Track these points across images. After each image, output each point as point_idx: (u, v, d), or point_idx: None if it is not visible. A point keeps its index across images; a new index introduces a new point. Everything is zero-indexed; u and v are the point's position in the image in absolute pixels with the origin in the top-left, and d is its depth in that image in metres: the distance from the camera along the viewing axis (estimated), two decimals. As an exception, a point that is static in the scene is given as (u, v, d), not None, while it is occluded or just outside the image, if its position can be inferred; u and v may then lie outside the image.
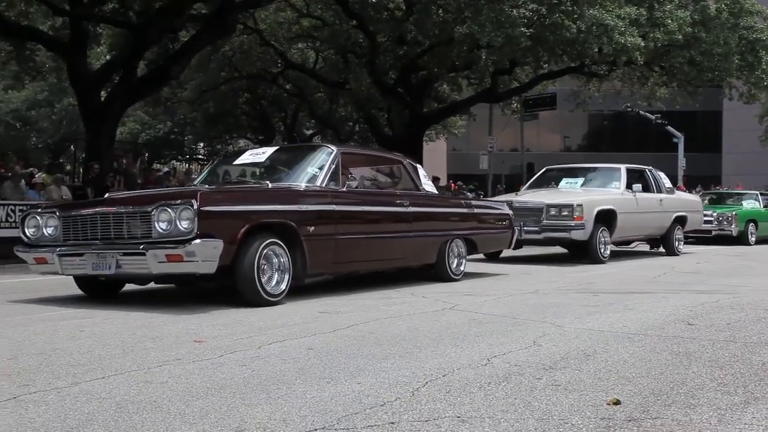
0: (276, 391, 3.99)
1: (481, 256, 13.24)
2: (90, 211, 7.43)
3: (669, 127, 33.66)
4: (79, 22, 20.50)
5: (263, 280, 7.26)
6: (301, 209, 7.92)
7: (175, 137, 35.86)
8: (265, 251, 7.28)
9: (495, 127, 36.49)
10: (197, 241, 6.61)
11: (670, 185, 16.31)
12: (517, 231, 12.67)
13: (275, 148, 10.38)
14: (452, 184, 33.26)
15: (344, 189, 8.87)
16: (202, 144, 37.83)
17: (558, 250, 15.09)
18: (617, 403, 3.68)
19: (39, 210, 7.89)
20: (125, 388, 4.13)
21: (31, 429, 3.35)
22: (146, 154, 29.96)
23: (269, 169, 9.53)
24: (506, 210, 11.99)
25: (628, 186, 14.16)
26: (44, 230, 7.62)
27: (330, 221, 8.29)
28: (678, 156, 34.29)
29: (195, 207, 6.61)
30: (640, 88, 29.10)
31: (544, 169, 16.71)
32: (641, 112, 34.01)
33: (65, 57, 21.01)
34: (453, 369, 4.48)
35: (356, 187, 9.52)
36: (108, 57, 22.81)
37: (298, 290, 8.16)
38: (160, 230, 6.71)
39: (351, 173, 9.81)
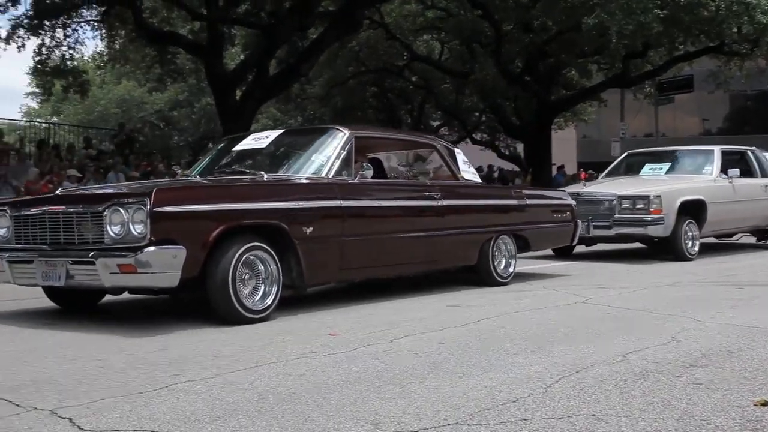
0: (409, 385, 4.03)
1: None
2: (38, 210, 6.35)
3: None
4: (215, 25, 21.11)
5: (243, 292, 6.13)
6: (295, 207, 6.64)
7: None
8: (244, 258, 6.12)
9: (627, 112, 35.50)
10: (151, 248, 5.53)
11: None
12: (584, 226, 11.27)
13: (280, 131, 8.62)
14: (582, 173, 32.44)
15: (356, 180, 7.42)
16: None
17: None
18: (765, 404, 3.55)
19: None
20: (266, 380, 4.26)
21: (182, 416, 3.49)
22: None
23: (271, 156, 8.01)
24: (568, 200, 10.50)
25: (724, 171, 12.46)
26: None
27: (335, 220, 7.00)
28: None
29: (148, 207, 5.55)
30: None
31: (625, 154, 15.29)
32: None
33: (203, 59, 21.69)
34: (587, 365, 4.44)
35: (372, 178, 7.73)
36: (242, 57, 23.40)
37: (427, 282, 8.16)
38: (113, 234, 5.69)
39: (365, 161, 8.16)
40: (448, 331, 5.78)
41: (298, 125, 32.29)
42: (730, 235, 14.02)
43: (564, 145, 39.32)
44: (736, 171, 12.54)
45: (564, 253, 12.22)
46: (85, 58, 26.47)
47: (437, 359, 4.75)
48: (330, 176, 7.15)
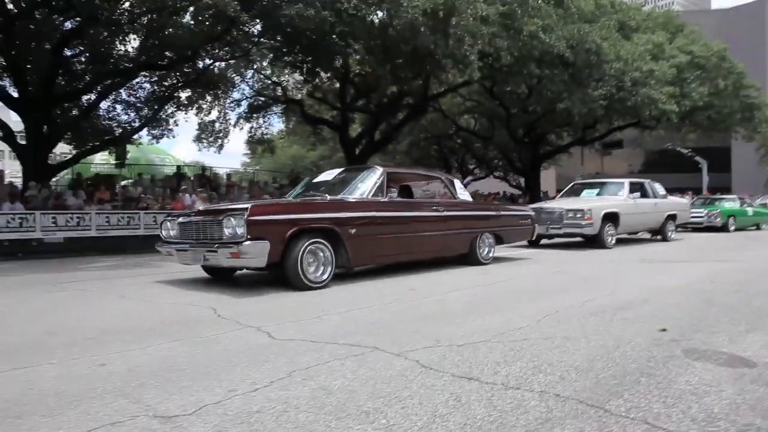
0: (456, 320, 4.02)
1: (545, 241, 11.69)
2: (190, 219, 6.29)
3: (697, 157, 30.75)
4: (344, 112, 21.46)
5: (308, 270, 5.77)
6: (343, 216, 6.25)
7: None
8: (309, 248, 5.79)
9: (585, 159, 35.15)
10: (246, 242, 5.35)
11: (664, 192, 13.94)
12: (545, 227, 11.20)
13: (342, 169, 8.27)
14: (557, 195, 31.75)
15: (386, 199, 6.93)
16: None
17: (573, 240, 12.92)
18: (664, 330, 3.55)
19: (170, 218, 6.75)
20: (375, 316, 4.28)
21: (328, 333, 3.53)
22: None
23: (336, 184, 7.37)
24: (528, 211, 9.78)
25: (631, 193, 12.38)
26: (170, 232, 6.54)
27: (372, 224, 6.53)
28: (702, 175, 31.30)
29: (245, 217, 5.41)
30: (677, 134, 27.76)
31: (572, 184, 14.60)
32: (678, 148, 31.44)
33: (338, 131, 22.03)
34: (561, 308, 4.39)
35: (397, 198, 7.50)
36: (360, 130, 23.64)
37: (443, 265, 7.85)
38: (227, 234, 5.56)
39: (394, 188, 7.73)
40: (478, 288, 5.76)
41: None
42: (636, 233, 13.70)
43: (548, 178, 38.34)
44: (637, 194, 12.55)
45: (534, 244, 11.87)
46: (274, 133, 27.11)
47: (472, 304, 4.74)
48: (368, 196, 6.68)
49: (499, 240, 8.64)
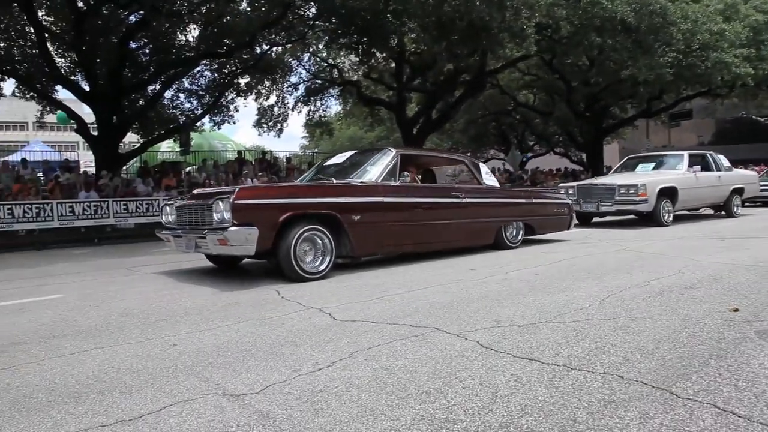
0: (517, 299, 4.00)
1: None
2: (184, 203, 5.92)
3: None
4: (401, 92, 21.37)
5: (304, 260, 5.26)
6: (346, 201, 5.65)
7: (453, 150, 36.29)
8: (305, 236, 5.25)
9: (651, 132, 33.61)
10: (232, 228, 4.88)
11: (728, 164, 12.68)
12: (596, 204, 10.50)
13: (353, 152, 7.42)
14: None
15: (398, 183, 6.30)
16: (468, 153, 37.96)
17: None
18: (736, 310, 3.39)
19: (169, 202, 6.37)
20: (435, 296, 4.27)
21: (383, 314, 3.57)
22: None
23: (347, 168, 6.73)
24: (565, 200, 8.75)
25: (691, 167, 11.35)
26: (169, 217, 6.20)
27: (379, 210, 5.91)
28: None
29: (231, 200, 4.94)
30: (753, 101, 25.82)
31: (626, 158, 13.55)
32: (753, 116, 29.61)
33: (394, 111, 21.99)
34: (625, 287, 4.27)
35: (409, 182, 6.81)
36: (416, 109, 23.50)
37: (526, 236, 7.75)
38: (216, 219, 5.11)
39: (411, 171, 7.25)
40: (540, 267, 5.67)
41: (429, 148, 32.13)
42: (697, 209, 12.69)
43: (610, 153, 36.82)
44: (697, 167, 11.65)
45: (585, 222, 11.33)
46: (331, 115, 27.39)
47: (533, 284, 4.68)
48: (377, 180, 6.07)
49: (530, 230, 7.94)
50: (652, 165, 12.16)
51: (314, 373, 2.50)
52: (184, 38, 17.21)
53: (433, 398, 2.18)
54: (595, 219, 11.60)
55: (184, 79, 18.19)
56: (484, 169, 7.79)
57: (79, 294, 5.07)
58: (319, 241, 5.44)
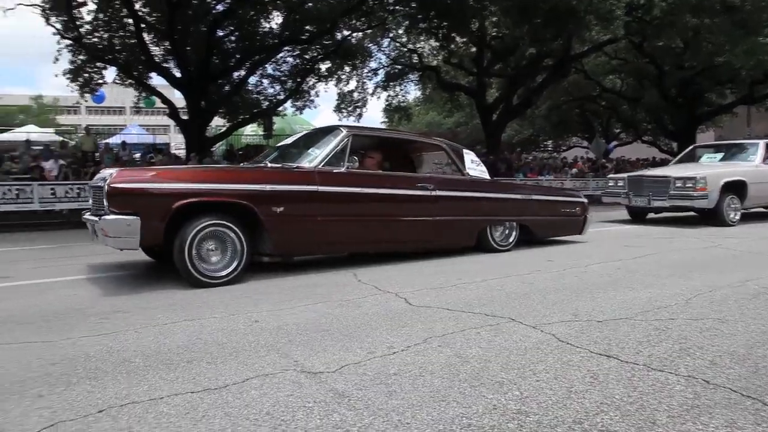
0: (596, 293, 3.89)
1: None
2: (94, 184, 4.84)
3: None
4: (481, 77, 21.03)
5: (208, 260, 4.37)
6: (265, 189, 4.58)
7: (534, 137, 35.28)
8: (206, 231, 4.32)
9: (753, 120, 31.10)
10: (107, 217, 4.08)
11: None
12: (646, 200, 9.27)
13: (306, 132, 6.36)
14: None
15: (342, 170, 5.11)
16: (550, 141, 36.86)
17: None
18: None
19: (92, 183, 5.17)
20: (511, 286, 4.21)
21: (464, 301, 3.58)
22: (518, 149, 29.80)
23: (292, 149, 5.78)
24: (578, 198, 7.37)
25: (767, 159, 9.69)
26: (90, 199, 5.17)
27: (310, 202, 4.85)
28: None
29: (106, 184, 4.13)
30: None
31: (692, 147, 12.20)
32: None
33: (474, 97, 21.69)
34: (716, 287, 4.04)
35: (358, 168, 5.37)
36: (496, 94, 23.08)
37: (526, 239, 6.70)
38: (106, 204, 4.13)
39: (368, 157, 5.93)
40: (623, 262, 5.46)
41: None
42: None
43: (705, 142, 34.80)
44: None
45: (639, 218, 10.35)
46: (410, 100, 27.38)
47: (615, 278, 4.53)
48: (317, 166, 4.99)
49: (526, 233, 6.65)
50: (721, 155, 10.71)
51: (388, 356, 2.56)
52: (267, 26, 17.75)
53: (506, 389, 2.18)
54: (650, 215, 10.68)
55: (267, 65, 18.77)
56: (469, 157, 6.47)
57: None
58: (227, 238, 4.47)
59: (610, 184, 10.70)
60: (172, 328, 3.13)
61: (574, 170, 21.11)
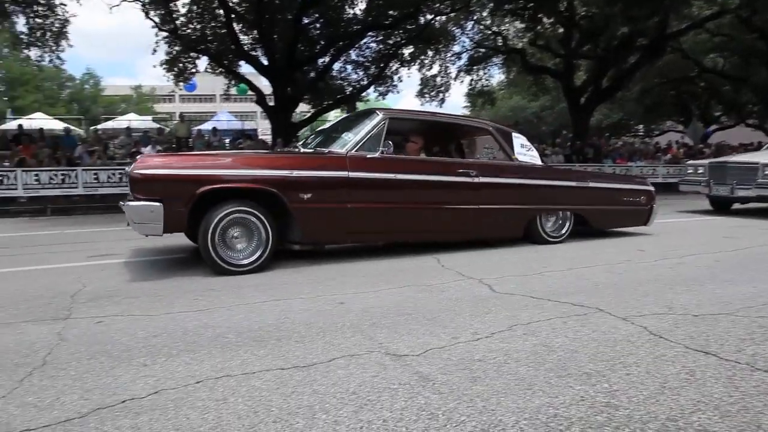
0: (692, 286, 3.69)
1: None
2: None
3: None
4: (568, 59, 20.26)
5: (234, 247, 4.32)
6: (291, 175, 4.44)
7: (624, 122, 33.63)
8: (232, 218, 4.25)
9: None
10: (130, 203, 4.11)
11: None
12: (728, 189, 8.32)
13: (344, 116, 5.41)
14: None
15: (375, 155, 4.83)
16: (641, 126, 35.03)
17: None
18: None
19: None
20: (600, 276, 4.07)
21: (549, 290, 3.49)
22: (607, 134, 28.56)
23: (331, 134, 5.52)
24: (643, 186, 6.68)
25: None
26: None
27: (341, 188, 4.63)
28: None
29: (130, 170, 4.18)
30: None
31: None
32: None
33: (561, 80, 20.96)
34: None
35: (392, 153, 4.97)
36: (585, 77, 22.16)
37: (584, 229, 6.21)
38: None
39: (409, 142, 5.74)
40: (722, 254, 5.13)
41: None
42: None
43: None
44: None
45: (723, 209, 9.45)
46: (494, 84, 26.80)
47: (714, 271, 4.27)
48: (353, 151, 4.78)
49: (582, 223, 6.16)
50: None
51: (472, 342, 2.55)
52: (351, 12, 17.90)
53: (594, 380, 2.12)
54: (736, 206, 9.71)
55: (351, 52, 18.98)
56: (519, 140, 5.98)
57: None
58: (253, 226, 4.39)
59: (688, 171, 9.79)
60: (261, 306, 3.27)
61: (668, 156, 19.96)
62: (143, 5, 16.00)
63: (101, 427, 1.80)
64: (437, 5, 17.52)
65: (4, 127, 21.35)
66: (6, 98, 39.56)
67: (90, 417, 1.87)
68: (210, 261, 4.25)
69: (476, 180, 5.34)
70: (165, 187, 4.15)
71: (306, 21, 17.20)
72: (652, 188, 6.77)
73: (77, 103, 43.84)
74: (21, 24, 15.37)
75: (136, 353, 2.46)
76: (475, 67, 22.80)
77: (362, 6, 17.72)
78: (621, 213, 6.51)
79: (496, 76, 28.59)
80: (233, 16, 16.20)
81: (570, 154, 17.69)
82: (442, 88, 22.35)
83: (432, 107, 22.19)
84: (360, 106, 20.25)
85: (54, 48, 15.58)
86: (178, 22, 16.61)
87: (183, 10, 16.79)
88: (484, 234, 5.57)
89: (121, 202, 4.43)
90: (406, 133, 5.80)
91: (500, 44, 21.98)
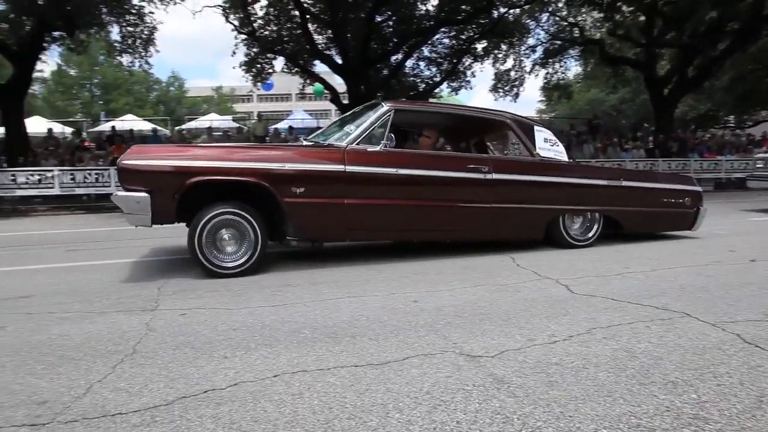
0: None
1: None
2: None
3: None
4: (650, 48, 19.30)
5: (223, 249, 4.20)
6: (283, 168, 4.21)
7: (712, 113, 31.66)
8: (221, 219, 4.14)
9: None
10: (118, 193, 4.07)
11: None
12: None
13: (360, 107, 5.44)
14: None
15: (378, 149, 4.56)
16: (732, 116, 32.86)
17: None
18: None
19: None
20: (686, 278, 3.88)
21: (630, 292, 3.35)
22: (692, 126, 27.00)
23: (339, 126, 5.27)
24: (689, 186, 6.00)
25: None
26: None
27: (336, 183, 4.38)
28: None
29: (118, 160, 4.16)
30: None
31: None
32: None
33: (642, 70, 20.01)
34: None
35: (393, 147, 4.67)
36: (668, 66, 21.04)
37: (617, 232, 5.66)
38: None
39: (420, 136, 5.46)
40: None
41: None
42: None
43: None
44: None
45: None
46: (570, 77, 25.93)
47: (814, 272, 3.94)
48: (352, 144, 4.54)
49: (614, 225, 5.60)
50: None
51: (549, 345, 2.48)
52: (423, 8, 17.83)
53: (680, 390, 2.00)
54: None
55: (423, 48, 18.91)
56: (542, 135, 5.46)
57: (336, 246, 5.66)
58: (243, 227, 4.25)
59: (758, 166, 9.00)
60: (337, 303, 3.31)
61: (763, 149, 18.62)
62: (223, 10, 16.66)
63: (185, 415, 1.88)
64: (511, -2, 17.19)
65: (98, 128, 22.84)
66: (101, 102, 42.40)
67: (175, 405, 1.95)
68: (197, 263, 4.17)
69: (489, 176, 4.94)
70: (152, 178, 4.08)
71: (378, 19, 17.31)
72: (699, 188, 6.13)
73: (163, 104, 46.18)
74: (115, 33, 16.39)
75: (217, 345, 2.56)
76: (550, 60, 22.15)
77: (434, 2, 17.65)
78: (660, 215, 5.88)
79: (572, 68, 27.59)
80: (308, 16, 16.56)
81: (652, 149, 16.87)
82: (516, 83, 21.87)
83: (506, 102, 21.81)
84: (433, 102, 20.21)
85: (143, 54, 16.49)
86: (255, 24, 17.17)
87: (260, 13, 17.36)
88: (498, 234, 5.18)
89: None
90: (420, 127, 5.52)
91: (577, 35, 21.23)
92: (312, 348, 2.51)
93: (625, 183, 5.62)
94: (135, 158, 4.14)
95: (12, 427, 1.82)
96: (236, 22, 17.11)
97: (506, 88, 21.87)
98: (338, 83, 18.43)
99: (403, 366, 2.27)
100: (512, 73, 21.83)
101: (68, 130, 20.24)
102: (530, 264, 4.44)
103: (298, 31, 16.94)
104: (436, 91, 19.69)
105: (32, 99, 30.39)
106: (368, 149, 4.58)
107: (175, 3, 15.71)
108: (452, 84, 19.77)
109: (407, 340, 2.60)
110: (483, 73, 46.32)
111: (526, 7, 18.78)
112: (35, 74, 16.97)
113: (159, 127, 21.39)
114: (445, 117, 5.60)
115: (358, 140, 4.59)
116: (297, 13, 16.40)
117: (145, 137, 15.73)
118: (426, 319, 2.93)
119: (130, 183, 4.09)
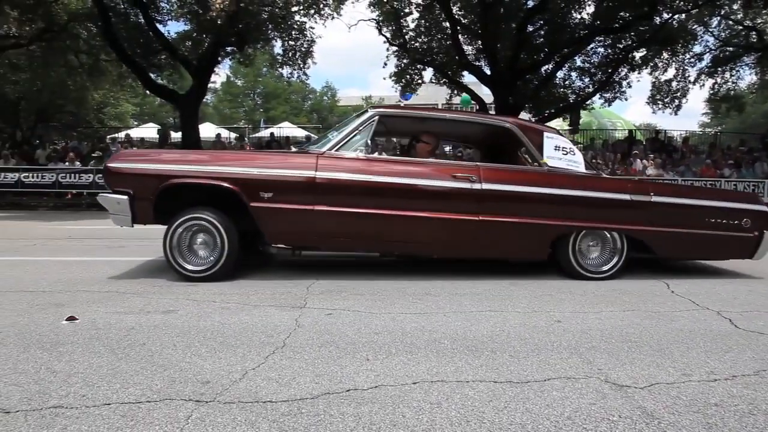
0: None
1: None
2: None
3: None
4: None
5: (197, 253, 4.33)
6: (251, 173, 4.20)
7: None
8: (192, 224, 4.27)
9: None
10: (102, 194, 4.34)
11: None
12: None
13: (354, 114, 5.08)
14: None
15: (355, 156, 4.39)
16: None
17: None
18: None
19: None
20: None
21: None
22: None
23: (326, 133, 5.24)
24: (750, 204, 4.94)
25: None
26: None
27: (305, 189, 4.23)
28: None
29: (105, 162, 4.42)
30: None
31: None
32: None
33: None
34: None
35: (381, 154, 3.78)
36: None
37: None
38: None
39: (428, 140, 5.02)
40: None
41: None
42: None
43: None
44: None
45: None
46: (742, 87, 23.37)
47: None
48: (329, 150, 4.43)
49: (643, 249, 4.74)
50: None
51: (708, 383, 2.27)
52: (578, 16, 17.14)
53: None
54: None
55: (576, 57, 18.17)
56: (553, 142, 4.85)
57: (479, 260, 5.62)
58: (212, 228, 4.31)
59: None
60: (478, 316, 3.31)
61: None
62: (377, 23, 17.35)
63: (328, 410, 1.99)
64: (676, 2, 15.89)
65: (258, 134, 24.83)
66: (261, 109, 46.13)
67: (319, 400, 2.08)
68: (169, 265, 4.33)
69: (477, 186, 4.47)
70: (132, 180, 4.32)
71: (530, 29, 16.95)
72: (764, 208, 5.04)
73: (317, 113, 48.99)
74: (278, 47, 17.80)
75: (360, 347, 2.67)
76: (719, 69, 20.18)
77: (590, 9, 16.88)
78: (704, 239, 4.86)
79: (746, 77, 24.75)
80: (458, 27, 16.67)
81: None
82: (678, 94, 20.19)
83: (664, 116, 20.24)
84: (583, 114, 19.35)
85: (302, 66, 17.72)
86: (407, 36, 17.66)
87: (412, 25, 17.82)
88: (490, 252, 4.70)
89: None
90: (416, 134, 5.25)
91: (754, 40, 19.12)
92: (451, 359, 2.53)
93: (655, 198, 4.76)
94: (119, 161, 4.45)
95: (181, 401, 2.05)
96: (388, 34, 17.76)
97: (666, 100, 20.29)
98: (485, 93, 18.31)
99: (543, 387, 2.21)
100: (674, 84, 20.22)
101: (233, 135, 22.25)
102: (688, 291, 4.09)
103: (448, 43, 17.13)
104: (588, 102, 18.80)
105: (204, 107, 33.82)
106: (345, 155, 4.47)
107: (333, 18, 16.68)
108: (605, 95, 18.74)
109: (549, 360, 2.52)
110: (639, 84, 43.40)
111: (694, 11, 17.29)
112: (209, 85, 18.93)
113: (312, 135, 22.76)
114: (441, 123, 5.29)
115: (338, 146, 4.50)
116: (447, 24, 16.59)
117: (299, 143, 16.82)
118: (569, 340, 2.82)
119: (114, 185, 4.37)
